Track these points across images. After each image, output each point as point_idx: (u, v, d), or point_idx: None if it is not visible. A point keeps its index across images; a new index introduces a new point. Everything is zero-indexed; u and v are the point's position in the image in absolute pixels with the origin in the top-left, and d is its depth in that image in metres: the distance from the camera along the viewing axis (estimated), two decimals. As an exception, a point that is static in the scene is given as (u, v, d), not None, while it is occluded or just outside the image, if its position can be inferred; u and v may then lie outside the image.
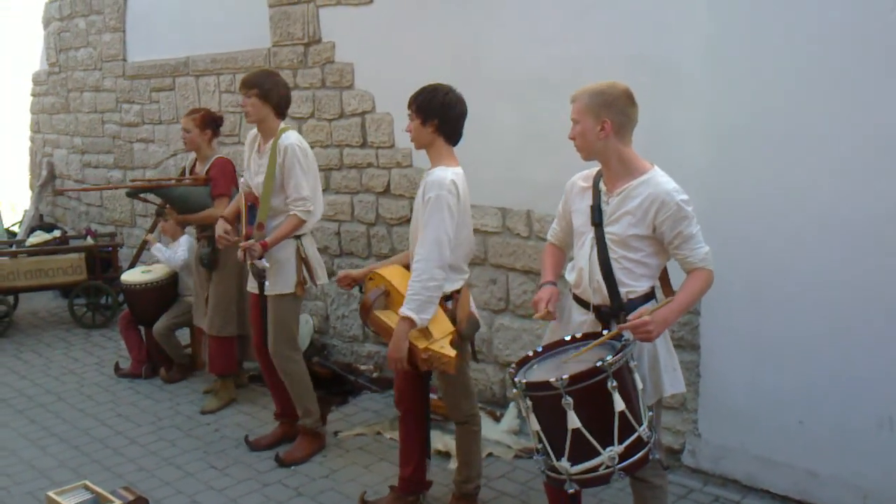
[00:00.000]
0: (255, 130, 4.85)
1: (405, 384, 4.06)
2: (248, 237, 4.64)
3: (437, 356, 3.58)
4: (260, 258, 4.56)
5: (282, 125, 4.74)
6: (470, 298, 3.93)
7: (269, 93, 4.66)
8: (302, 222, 4.64)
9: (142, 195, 6.05)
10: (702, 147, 4.13)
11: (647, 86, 4.22)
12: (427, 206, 3.67)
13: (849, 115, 3.71)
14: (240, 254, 4.66)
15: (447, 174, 3.71)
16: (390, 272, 3.93)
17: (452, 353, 3.58)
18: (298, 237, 4.70)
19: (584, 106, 3.10)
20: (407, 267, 3.89)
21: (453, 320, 3.76)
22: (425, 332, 3.65)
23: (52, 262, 7.37)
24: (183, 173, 5.81)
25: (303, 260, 4.70)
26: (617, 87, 3.11)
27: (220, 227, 4.86)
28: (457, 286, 3.83)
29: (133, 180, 6.40)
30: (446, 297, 3.79)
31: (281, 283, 4.69)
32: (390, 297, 3.85)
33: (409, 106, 3.82)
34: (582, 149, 3.17)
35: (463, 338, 3.80)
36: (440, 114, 3.76)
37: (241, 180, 5.03)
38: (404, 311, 3.63)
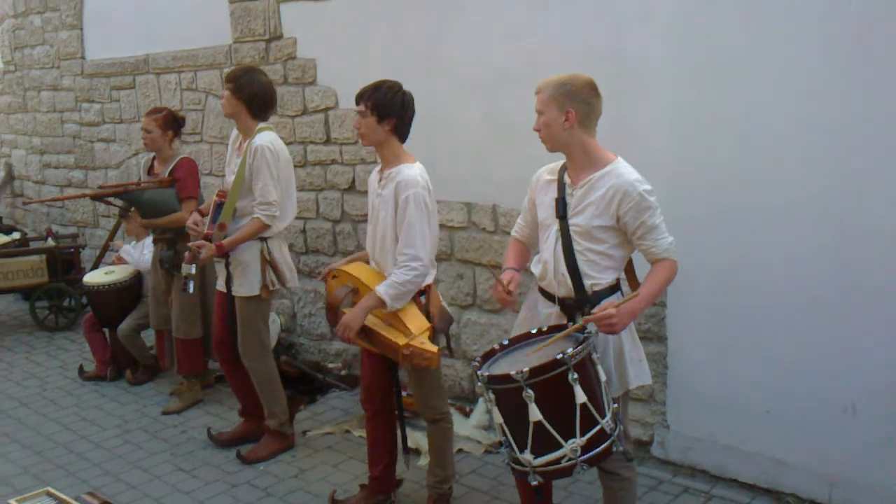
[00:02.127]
0: (236, 129, 4.77)
1: (374, 382, 4.03)
2: (207, 237, 4.56)
3: (418, 352, 3.54)
4: (195, 262, 4.51)
5: (261, 125, 4.63)
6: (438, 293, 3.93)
7: (241, 88, 4.55)
8: (265, 226, 4.55)
9: (106, 199, 5.94)
10: (666, 139, 4.15)
11: (611, 78, 4.22)
12: (406, 205, 3.64)
13: (810, 106, 3.74)
14: (187, 254, 4.59)
15: (415, 172, 3.70)
16: (357, 269, 3.89)
17: (434, 348, 3.56)
18: (264, 239, 4.63)
19: (548, 97, 3.11)
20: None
21: (427, 315, 3.74)
22: (403, 329, 3.62)
23: (12, 264, 7.22)
24: (139, 177, 5.72)
25: (267, 262, 4.63)
26: (580, 77, 3.12)
27: (192, 219, 4.75)
28: (429, 280, 3.81)
29: (101, 186, 6.28)
30: (420, 292, 3.78)
31: (246, 285, 4.63)
32: (359, 295, 3.80)
33: (363, 102, 3.73)
34: (547, 140, 3.16)
35: (437, 332, 3.78)
36: (399, 113, 3.72)
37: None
38: (381, 291, 3.61)
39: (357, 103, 3.76)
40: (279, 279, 4.70)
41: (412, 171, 3.70)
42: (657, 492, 4.21)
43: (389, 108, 3.70)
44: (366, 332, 3.70)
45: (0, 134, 9.77)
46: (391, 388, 4.05)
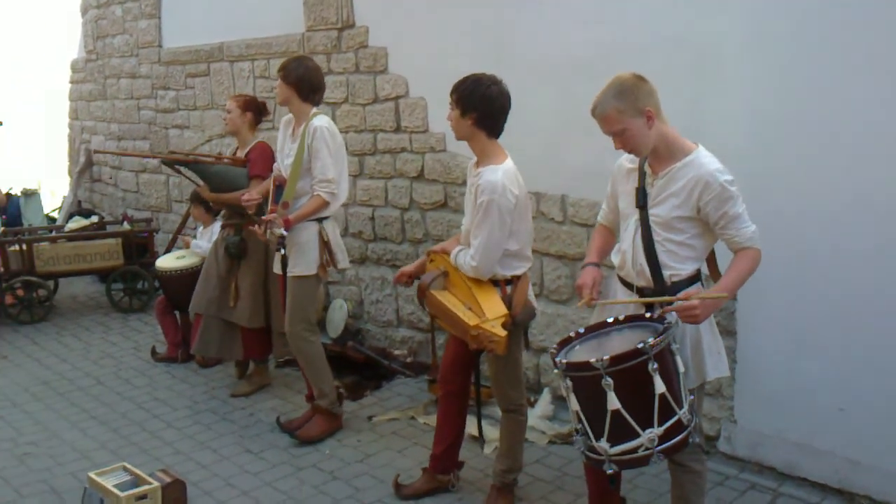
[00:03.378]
0: (288, 115, 4.91)
1: (454, 363, 4.06)
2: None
3: (486, 335, 3.53)
4: (273, 231, 4.61)
5: (314, 110, 4.78)
6: (529, 287, 3.89)
7: (289, 74, 4.73)
8: (325, 203, 4.69)
9: (176, 166, 5.99)
10: (741, 129, 4.07)
11: (687, 67, 4.18)
12: (480, 210, 3.63)
13: (892, 99, 3.62)
14: (259, 228, 4.74)
15: (498, 176, 3.63)
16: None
17: (503, 333, 3.54)
18: (321, 221, 4.74)
19: (618, 111, 3.04)
20: None
21: (509, 305, 3.73)
22: (479, 313, 3.62)
23: (90, 247, 7.48)
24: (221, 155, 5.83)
25: (325, 243, 4.75)
26: (625, 76, 3.08)
27: (246, 196, 4.88)
28: (518, 272, 3.80)
29: (171, 152, 6.38)
30: (507, 281, 3.79)
31: (302, 264, 4.74)
32: (449, 279, 3.86)
33: (451, 95, 3.74)
34: (636, 149, 3.12)
35: (517, 323, 3.78)
36: (480, 107, 3.65)
37: (275, 164, 5.06)
38: (453, 254, 3.79)
39: (450, 96, 3.76)
40: (332, 260, 4.81)
41: (495, 175, 3.64)
42: (724, 487, 4.15)
43: (470, 101, 3.65)
44: (442, 310, 3.75)
45: (81, 120, 10.07)
46: (469, 373, 4.08)
